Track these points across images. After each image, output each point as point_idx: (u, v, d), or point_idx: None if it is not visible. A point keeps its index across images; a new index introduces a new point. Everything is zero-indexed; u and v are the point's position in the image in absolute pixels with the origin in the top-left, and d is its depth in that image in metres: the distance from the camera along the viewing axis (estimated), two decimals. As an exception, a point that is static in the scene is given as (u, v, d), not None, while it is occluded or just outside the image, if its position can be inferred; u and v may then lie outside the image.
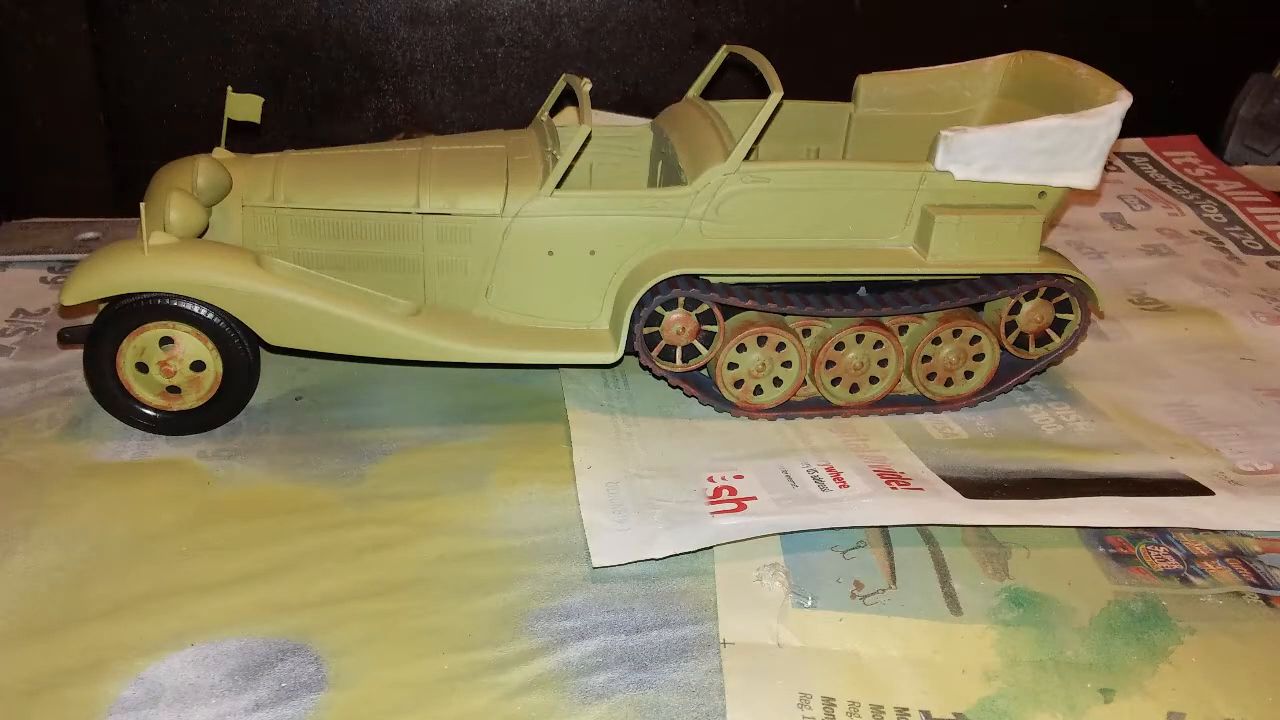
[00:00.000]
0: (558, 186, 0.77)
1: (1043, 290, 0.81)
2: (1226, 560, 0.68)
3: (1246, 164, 1.38)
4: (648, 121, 0.94)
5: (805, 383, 0.81)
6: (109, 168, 1.24)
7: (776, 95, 0.77)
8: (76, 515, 0.68)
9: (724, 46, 0.89)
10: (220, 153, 0.83)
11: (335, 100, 1.27)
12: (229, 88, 0.84)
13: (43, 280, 0.99)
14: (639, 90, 1.31)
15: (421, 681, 0.56)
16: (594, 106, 1.15)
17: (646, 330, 0.78)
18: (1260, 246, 1.15)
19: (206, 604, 0.61)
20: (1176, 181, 1.30)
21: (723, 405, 0.80)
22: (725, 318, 0.79)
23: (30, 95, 1.19)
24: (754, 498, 0.69)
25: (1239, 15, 1.39)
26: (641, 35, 1.29)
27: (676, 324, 0.78)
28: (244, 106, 0.85)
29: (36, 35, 1.17)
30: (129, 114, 1.23)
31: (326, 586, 0.63)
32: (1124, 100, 0.78)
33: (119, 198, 1.24)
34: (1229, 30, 1.40)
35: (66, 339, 0.77)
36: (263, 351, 0.81)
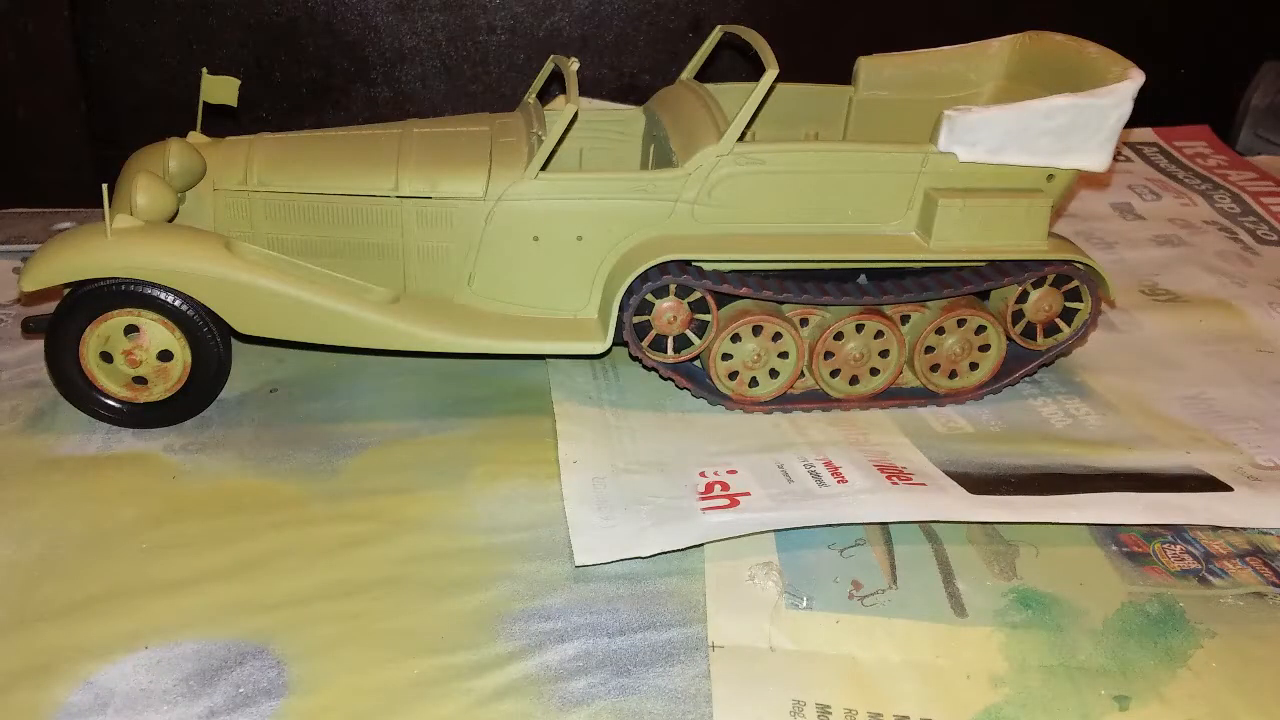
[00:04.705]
0: (543, 169, 0.73)
1: (1051, 278, 0.78)
2: (1247, 559, 0.64)
3: (1259, 154, 1.34)
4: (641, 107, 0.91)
5: (803, 374, 0.78)
6: (91, 158, 1.21)
7: (772, 73, 0.74)
8: (34, 511, 0.64)
9: (718, 27, 0.86)
10: (196, 137, 0.80)
11: (322, 90, 1.24)
12: (204, 70, 0.81)
13: (15, 271, 0.96)
14: (635, 79, 1.28)
15: (389, 687, 0.53)
16: (590, 95, 1.12)
17: (636, 319, 0.74)
18: (1275, 237, 1.11)
19: (164, 604, 0.57)
20: (1188, 171, 1.26)
21: (716, 398, 0.77)
22: (718, 306, 0.75)
23: (11, 84, 1.16)
24: (748, 493, 0.66)
25: (1251, 2, 1.35)
26: (638, 23, 1.26)
27: (668, 313, 0.74)
28: (220, 89, 0.81)
29: (17, 22, 1.14)
30: (111, 103, 1.20)
31: (292, 586, 0.59)
32: (1136, 79, 0.75)
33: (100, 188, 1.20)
34: (1241, 18, 1.36)
35: (31, 328, 0.74)
36: (240, 343, 0.78)
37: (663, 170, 0.74)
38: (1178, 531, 0.66)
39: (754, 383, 0.77)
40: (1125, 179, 1.24)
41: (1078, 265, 0.77)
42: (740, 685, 0.53)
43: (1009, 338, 0.79)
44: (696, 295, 0.74)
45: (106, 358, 0.71)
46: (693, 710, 0.52)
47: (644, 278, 0.73)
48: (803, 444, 0.72)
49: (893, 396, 0.79)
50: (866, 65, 0.90)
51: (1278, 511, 0.66)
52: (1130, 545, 0.65)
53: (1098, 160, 0.76)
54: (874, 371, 0.78)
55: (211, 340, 0.72)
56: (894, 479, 0.67)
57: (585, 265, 0.75)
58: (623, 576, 0.61)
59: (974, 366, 0.79)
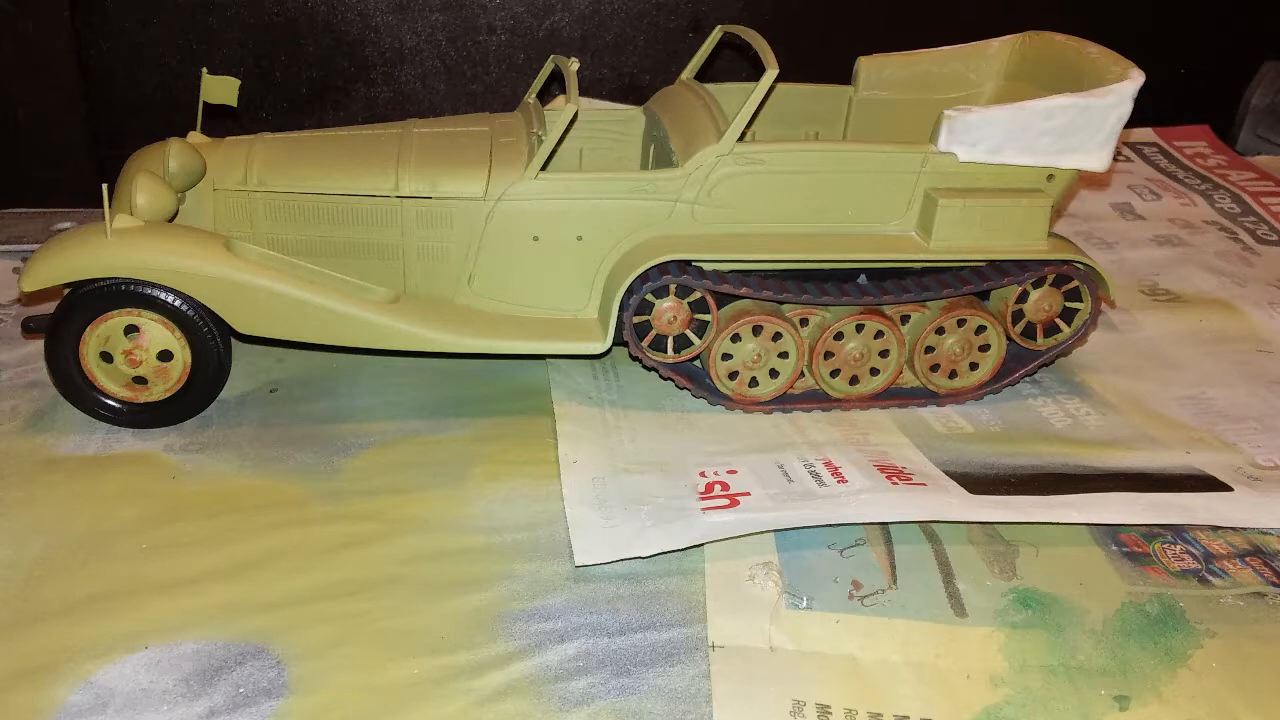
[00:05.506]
0: (544, 169, 0.73)
1: (1051, 278, 0.78)
2: (1247, 559, 0.64)
3: (1259, 154, 1.34)
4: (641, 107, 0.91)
5: (803, 374, 0.78)
6: (91, 157, 1.21)
7: (772, 73, 0.74)
8: (33, 511, 0.64)
9: (719, 26, 0.86)
10: (196, 137, 0.80)
11: (322, 90, 1.24)
12: (204, 69, 0.81)
13: (15, 271, 0.96)
14: (635, 79, 1.28)
15: (388, 686, 0.53)
16: (590, 95, 1.12)
17: (636, 319, 0.74)
18: (1275, 237, 1.11)
19: (164, 604, 0.57)
20: (1188, 171, 1.26)
21: (716, 398, 0.77)
22: (719, 306, 0.75)
23: (11, 84, 1.16)
24: (747, 493, 0.66)
25: (1251, 2, 1.35)
26: (638, 23, 1.26)
27: (668, 312, 0.74)
28: (220, 89, 0.81)
29: (18, 22, 1.14)
30: (111, 104, 1.20)
31: (292, 586, 0.59)
32: (1136, 79, 0.75)
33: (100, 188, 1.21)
34: (1241, 18, 1.36)
35: (31, 328, 0.74)
36: (241, 343, 0.78)
37: (663, 170, 0.74)
38: (1178, 531, 0.66)
39: (754, 383, 0.77)
40: (1125, 179, 1.24)
41: (1077, 265, 0.77)
42: (740, 685, 0.53)
43: (1009, 338, 0.79)
44: (696, 295, 0.74)
45: (106, 358, 0.71)
46: (693, 710, 0.52)
47: (644, 278, 0.73)
48: (803, 444, 0.72)
49: (893, 396, 0.79)
50: (866, 65, 0.90)
51: (1278, 511, 0.66)
52: (1130, 545, 0.65)
53: (1098, 160, 0.76)
54: (874, 371, 0.78)
55: (211, 340, 0.72)
56: (894, 479, 0.67)
57: (585, 265, 0.75)
58: (622, 576, 0.61)
59: (974, 366, 0.79)
